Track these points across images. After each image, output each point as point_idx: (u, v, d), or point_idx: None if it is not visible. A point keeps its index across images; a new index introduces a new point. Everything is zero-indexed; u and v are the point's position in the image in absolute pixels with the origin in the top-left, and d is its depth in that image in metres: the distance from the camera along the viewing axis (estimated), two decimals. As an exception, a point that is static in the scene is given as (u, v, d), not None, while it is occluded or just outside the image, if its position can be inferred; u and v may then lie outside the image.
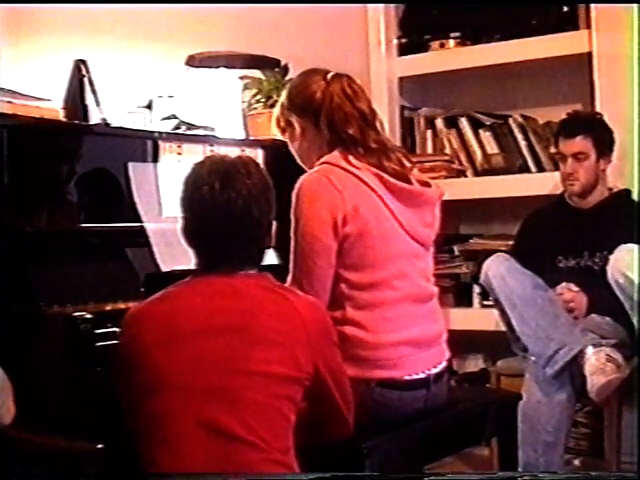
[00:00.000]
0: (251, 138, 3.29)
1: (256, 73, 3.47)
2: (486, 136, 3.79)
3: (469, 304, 3.76)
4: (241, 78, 3.45)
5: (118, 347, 1.95)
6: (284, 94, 2.39)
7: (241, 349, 1.82)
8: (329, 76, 2.30)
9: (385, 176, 2.23)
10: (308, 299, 1.97)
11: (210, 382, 1.80)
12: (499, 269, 3.08)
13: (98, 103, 2.81)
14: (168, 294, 1.94)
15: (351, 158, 2.23)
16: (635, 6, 3.29)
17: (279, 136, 2.42)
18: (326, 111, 2.27)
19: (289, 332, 1.85)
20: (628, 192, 3.26)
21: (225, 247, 1.91)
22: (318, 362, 1.89)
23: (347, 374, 2.02)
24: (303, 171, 2.30)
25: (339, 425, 2.01)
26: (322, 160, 2.24)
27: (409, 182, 2.28)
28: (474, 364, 3.89)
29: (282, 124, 2.37)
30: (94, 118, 2.79)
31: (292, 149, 2.39)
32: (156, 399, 1.81)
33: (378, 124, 2.32)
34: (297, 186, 2.19)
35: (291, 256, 2.19)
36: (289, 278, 2.19)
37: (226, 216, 1.88)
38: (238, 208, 1.88)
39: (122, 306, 2.39)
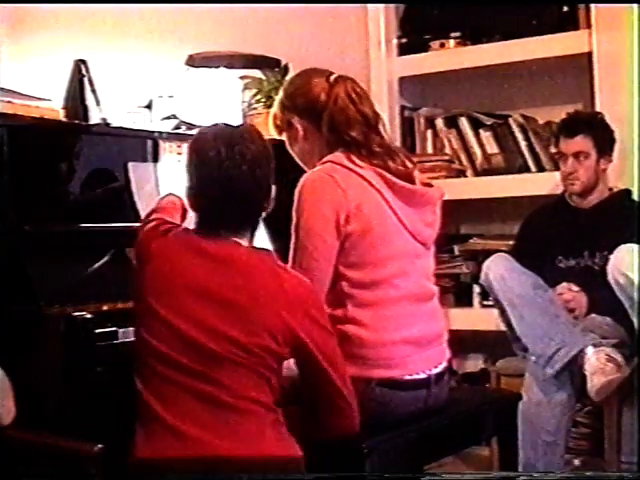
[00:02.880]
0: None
1: (256, 73, 3.47)
2: (486, 136, 3.79)
3: (469, 304, 3.76)
4: (241, 78, 3.45)
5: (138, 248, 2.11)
6: (283, 93, 2.37)
7: (224, 319, 1.90)
8: (332, 78, 2.29)
9: (388, 175, 2.23)
10: (300, 278, 2.02)
11: (197, 341, 1.88)
12: (499, 269, 3.08)
13: (98, 103, 2.81)
14: (178, 239, 2.02)
15: (354, 158, 2.23)
16: (635, 6, 3.29)
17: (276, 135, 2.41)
18: (329, 113, 2.25)
19: (268, 305, 1.92)
20: (628, 192, 3.26)
21: (227, 209, 1.98)
22: (299, 334, 1.93)
23: (345, 366, 2.02)
24: (303, 170, 2.30)
25: (341, 408, 2.00)
26: (325, 159, 2.23)
27: (412, 182, 2.28)
28: (474, 364, 3.89)
29: (279, 123, 2.36)
30: (94, 118, 2.79)
31: (291, 150, 2.37)
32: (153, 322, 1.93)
33: (381, 127, 2.31)
34: (300, 184, 2.19)
35: (291, 252, 2.19)
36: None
37: (230, 179, 1.96)
38: (243, 172, 1.96)
39: (122, 306, 2.39)
